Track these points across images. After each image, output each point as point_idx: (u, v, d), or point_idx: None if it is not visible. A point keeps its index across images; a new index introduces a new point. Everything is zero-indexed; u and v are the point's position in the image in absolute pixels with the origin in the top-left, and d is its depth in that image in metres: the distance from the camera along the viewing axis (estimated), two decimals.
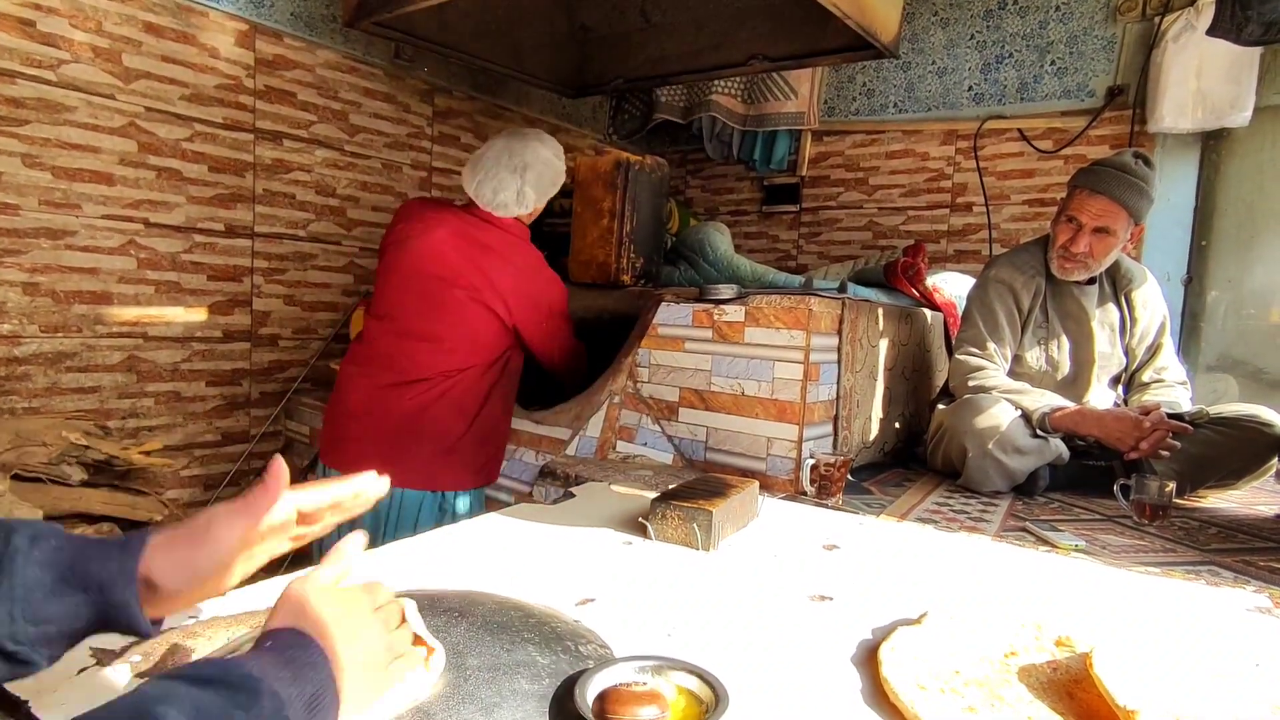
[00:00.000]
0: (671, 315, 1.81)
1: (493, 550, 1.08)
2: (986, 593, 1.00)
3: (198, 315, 2.26)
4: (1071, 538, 1.33)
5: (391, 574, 0.98)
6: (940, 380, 2.35)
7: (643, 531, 1.17)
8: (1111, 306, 1.86)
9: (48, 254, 1.96)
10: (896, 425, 2.08)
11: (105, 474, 2.04)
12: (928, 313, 2.26)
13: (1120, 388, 1.94)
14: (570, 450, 1.82)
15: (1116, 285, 1.87)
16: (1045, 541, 1.33)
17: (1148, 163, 1.74)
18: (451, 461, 1.72)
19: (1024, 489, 1.70)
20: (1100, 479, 1.77)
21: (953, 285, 2.47)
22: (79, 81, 1.96)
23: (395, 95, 2.70)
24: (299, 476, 2.46)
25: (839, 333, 1.71)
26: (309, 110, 2.45)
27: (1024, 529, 1.41)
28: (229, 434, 2.37)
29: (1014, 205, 2.77)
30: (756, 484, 1.33)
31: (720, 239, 2.63)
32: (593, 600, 0.91)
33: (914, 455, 2.15)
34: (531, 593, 0.90)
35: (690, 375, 1.77)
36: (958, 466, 1.75)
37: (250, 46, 2.29)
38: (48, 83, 1.91)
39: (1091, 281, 1.85)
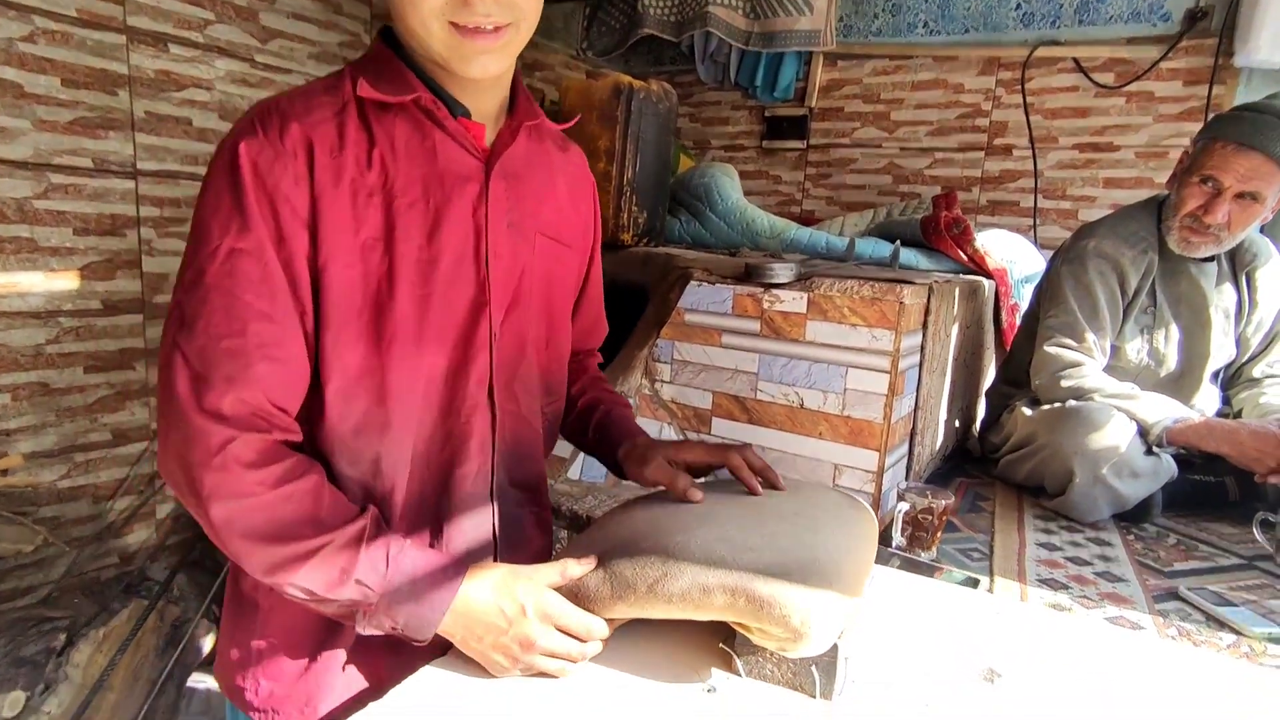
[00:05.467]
0: (703, 298, 1.39)
1: (507, 696, 0.69)
2: None
3: (65, 282, 1.72)
4: (1259, 620, 1.03)
5: None
6: (991, 363, 2.02)
7: (726, 661, 0.80)
8: (1229, 288, 1.54)
9: None
10: (957, 424, 1.75)
11: None
12: (986, 283, 1.90)
13: (1219, 384, 1.64)
14: (573, 472, 1.42)
15: (1236, 262, 1.54)
16: (1221, 622, 1.02)
17: None
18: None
19: (1131, 516, 1.40)
20: (1209, 497, 1.49)
21: (1002, 248, 2.11)
22: None
23: None
24: None
25: (924, 327, 1.33)
26: (202, 5, 1.86)
27: (1177, 595, 1.11)
28: (122, 431, 1.87)
29: (1061, 150, 2.41)
30: None
31: (730, 185, 2.20)
32: None
33: (966, 452, 1.84)
34: None
35: (729, 378, 1.38)
36: (1050, 488, 1.43)
37: None
38: None
39: (1210, 258, 1.51)
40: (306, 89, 0.71)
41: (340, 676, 0.76)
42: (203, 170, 1.89)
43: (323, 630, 0.75)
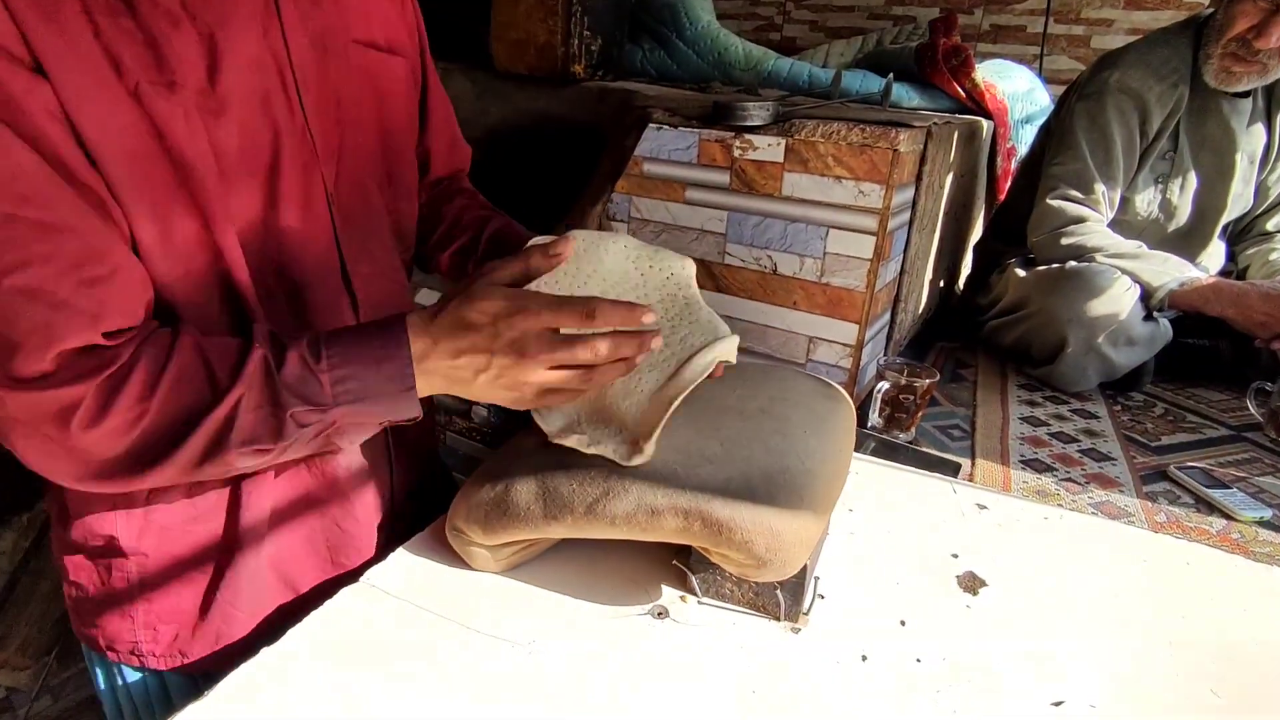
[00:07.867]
0: (665, 144, 1.18)
1: (425, 621, 0.59)
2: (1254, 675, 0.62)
3: None
4: (1250, 502, 0.96)
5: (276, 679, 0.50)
6: (981, 215, 1.86)
7: (681, 580, 0.70)
8: (1260, 129, 1.36)
9: None
10: (941, 284, 1.61)
11: None
12: (985, 124, 1.69)
13: (1227, 238, 1.50)
14: None
15: (1273, 98, 1.35)
16: (1213, 506, 0.96)
17: None
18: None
19: (1120, 384, 1.31)
20: (1201, 362, 1.41)
21: (1004, 83, 1.87)
22: None
23: None
24: None
25: (918, 180, 1.15)
26: None
27: (1166, 475, 1.04)
28: None
29: None
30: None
31: (701, 5, 1.89)
32: None
33: (948, 313, 1.72)
34: None
35: (694, 239, 1.20)
36: (1037, 355, 1.33)
37: None
38: None
39: (1247, 93, 1.32)
40: None
41: (254, 594, 0.65)
42: None
43: (214, 549, 0.63)
